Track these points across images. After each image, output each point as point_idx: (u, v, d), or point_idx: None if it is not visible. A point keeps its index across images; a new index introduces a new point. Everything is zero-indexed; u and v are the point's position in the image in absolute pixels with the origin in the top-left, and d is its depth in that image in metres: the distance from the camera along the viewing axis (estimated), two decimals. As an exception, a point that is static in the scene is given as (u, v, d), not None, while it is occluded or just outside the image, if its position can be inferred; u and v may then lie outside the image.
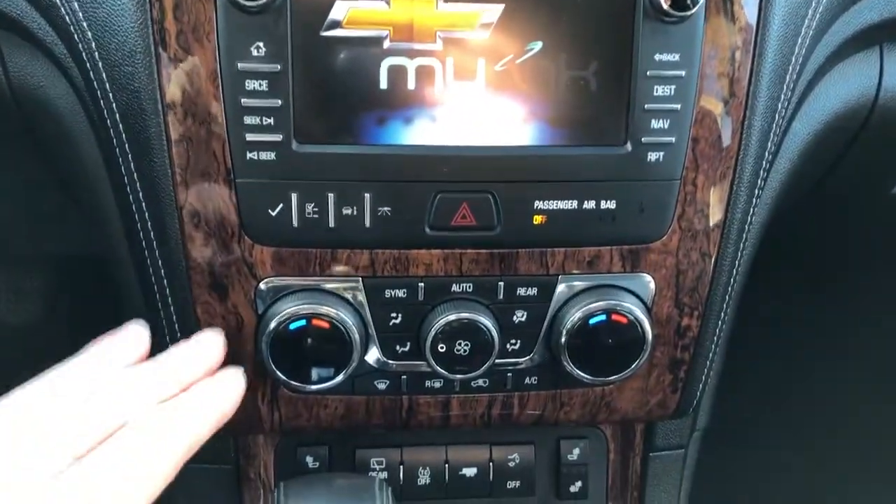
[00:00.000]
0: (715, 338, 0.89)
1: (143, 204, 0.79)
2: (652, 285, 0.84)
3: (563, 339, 0.82)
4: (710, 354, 0.89)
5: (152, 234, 0.79)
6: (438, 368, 0.82)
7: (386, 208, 0.77)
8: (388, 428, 0.89)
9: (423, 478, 0.96)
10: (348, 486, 0.72)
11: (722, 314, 0.88)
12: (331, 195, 0.76)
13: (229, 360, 0.82)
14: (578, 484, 0.99)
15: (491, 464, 0.97)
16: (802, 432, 1.42)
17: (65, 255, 1.74)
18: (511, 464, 0.97)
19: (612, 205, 0.80)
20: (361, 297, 0.81)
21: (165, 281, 0.80)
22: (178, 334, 0.82)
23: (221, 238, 0.78)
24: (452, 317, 0.80)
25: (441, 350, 0.81)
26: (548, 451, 0.99)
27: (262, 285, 0.80)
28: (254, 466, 0.95)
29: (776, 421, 1.42)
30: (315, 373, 0.81)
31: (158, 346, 0.86)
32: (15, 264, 1.78)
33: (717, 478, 1.10)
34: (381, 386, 0.85)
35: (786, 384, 1.42)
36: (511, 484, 0.97)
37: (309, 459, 0.95)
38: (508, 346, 0.84)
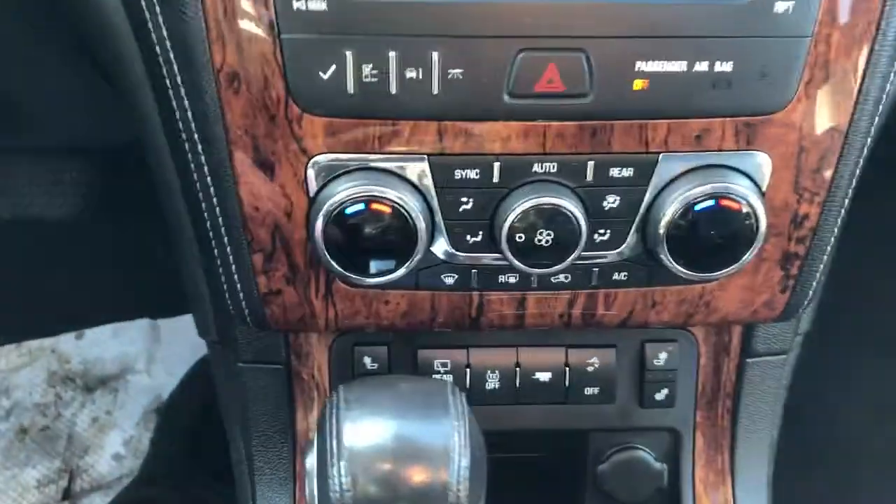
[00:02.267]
0: (836, 229, 0.76)
1: (175, 66, 0.68)
2: (768, 165, 0.71)
3: (661, 229, 0.70)
4: (829, 248, 0.77)
5: (187, 102, 0.69)
6: (515, 261, 0.71)
7: (457, 70, 0.65)
8: (455, 328, 0.79)
9: (492, 382, 0.87)
10: (416, 390, 0.63)
11: (846, 201, 0.75)
12: (392, 54, 0.64)
13: (279, 248, 0.73)
14: (665, 391, 0.89)
15: (567, 368, 0.87)
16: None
17: (102, 147, 1.66)
18: (590, 368, 0.87)
19: (728, 66, 0.66)
20: (427, 178, 0.70)
21: (203, 158, 0.70)
22: (220, 219, 0.73)
23: (265, 106, 0.67)
24: (533, 202, 0.69)
25: (519, 240, 0.70)
26: (631, 355, 0.89)
27: (313, 163, 0.69)
28: (307, 366, 0.87)
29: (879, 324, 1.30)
30: (374, 265, 0.71)
31: (200, 238, 0.78)
32: (54, 155, 1.71)
33: (814, 387, 0.99)
34: (449, 280, 0.75)
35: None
36: (589, 390, 0.87)
37: (367, 360, 0.86)
38: (596, 236, 0.73)
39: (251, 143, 0.68)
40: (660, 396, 0.89)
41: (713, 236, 0.71)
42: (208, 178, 0.71)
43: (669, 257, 0.71)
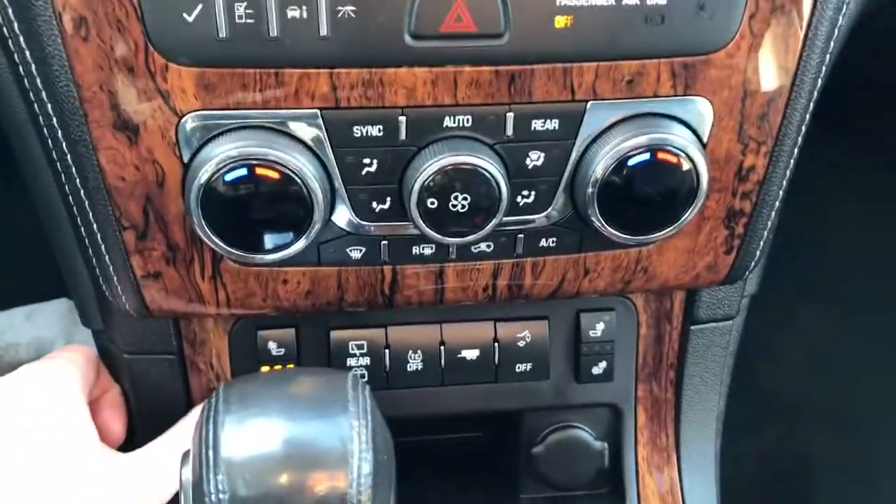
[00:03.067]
0: (784, 181, 0.69)
1: (10, 11, 0.56)
2: (709, 113, 0.63)
3: (591, 187, 0.62)
4: (777, 203, 0.70)
5: (28, 55, 0.57)
6: (428, 230, 0.62)
7: (349, 7, 0.55)
8: (367, 307, 0.70)
9: (415, 363, 0.78)
10: (311, 385, 0.54)
11: (794, 150, 0.68)
12: None
13: (153, 223, 0.63)
14: (603, 364, 0.81)
15: (496, 344, 0.79)
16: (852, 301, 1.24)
17: None
18: (521, 343, 0.79)
19: None
20: (322, 137, 0.60)
21: (55, 121, 0.59)
22: (82, 192, 0.62)
23: (121, 56, 0.56)
24: (446, 161, 0.59)
25: (431, 206, 0.61)
26: (564, 326, 0.81)
27: (185, 122, 0.58)
28: (203, 355, 0.77)
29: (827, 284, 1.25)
30: (266, 239, 0.61)
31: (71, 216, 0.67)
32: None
33: (762, 352, 0.93)
34: (355, 254, 0.66)
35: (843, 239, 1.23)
36: (521, 367, 0.79)
37: (272, 346, 0.76)
38: (520, 198, 0.64)
39: (108, 100, 0.57)
40: (597, 370, 0.81)
41: (649, 194, 0.63)
42: (64, 145, 0.60)
43: (601, 219, 0.63)
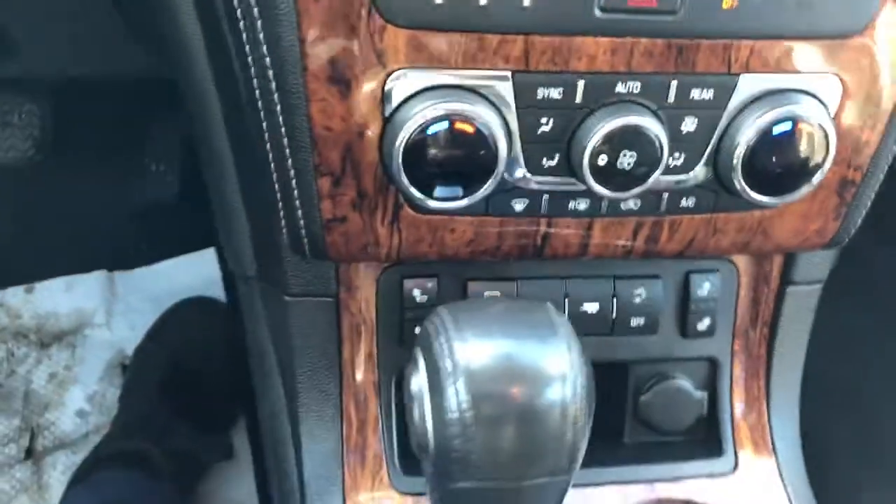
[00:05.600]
0: (890, 156, 0.77)
1: None
2: (840, 90, 0.72)
3: (737, 153, 0.70)
4: (881, 175, 0.78)
5: (256, 10, 0.64)
6: (595, 185, 0.69)
7: None
8: (518, 257, 0.77)
9: None
10: (520, 310, 0.61)
11: None
12: None
13: (348, 171, 0.69)
14: (707, 321, 0.89)
15: (615, 299, 0.87)
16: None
17: (56, 78, 1.54)
18: (637, 299, 0.87)
19: None
20: (510, 97, 0.67)
21: (272, 73, 0.65)
22: (286, 140, 0.68)
23: (345, 15, 0.63)
24: (620, 122, 0.67)
25: (601, 163, 0.68)
26: (674, 285, 0.89)
27: (392, 79, 0.65)
28: (355, 300, 0.83)
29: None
30: (451, 188, 0.68)
31: (249, 167, 0.73)
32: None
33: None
34: (519, 207, 0.73)
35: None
36: (635, 321, 0.87)
37: (416, 293, 0.83)
38: (671, 160, 0.72)
39: (327, 56, 0.64)
40: (702, 326, 0.89)
41: (786, 161, 0.71)
42: (275, 96, 0.66)
43: (742, 182, 0.71)
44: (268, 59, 0.65)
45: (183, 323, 1.83)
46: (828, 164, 0.72)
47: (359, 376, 0.85)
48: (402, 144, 0.65)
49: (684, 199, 0.75)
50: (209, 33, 0.73)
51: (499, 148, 0.67)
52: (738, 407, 0.92)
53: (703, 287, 0.89)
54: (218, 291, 1.92)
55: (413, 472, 0.85)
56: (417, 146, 0.66)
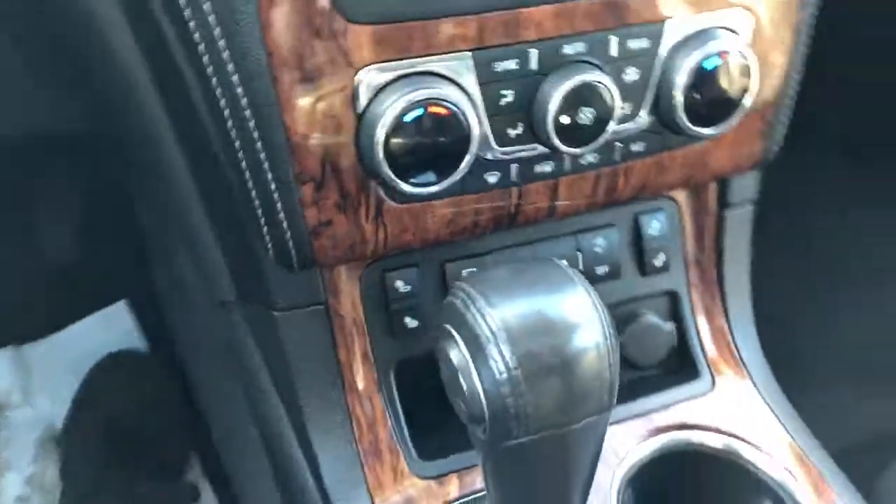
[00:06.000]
0: (797, 73, 0.86)
1: None
2: (751, 20, 0.79)
3: (677, 92, 0.76)
4: (794, 93, 0.87)
5: (218, 30, 0.64)
6: (561, 145, 0.73)
7: None
8: (495, 229, 0.81)
9: None
10: (534, 270, 0.64)
11: (804, 48, 0.85)
12: None
13: (329, 174, 0.70)
14: (662, 257, 0.96)
15: (579, 253, 0.91)
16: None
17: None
18: (598, 249, 0.92)
19: None
20: (471, 75, 0.70)
21: (240, 89, 0.66)
22: (262, 154, 0.68)
23: (308, 20, 0.64)
24: (575, 81, 0.71)
25: (564, 122, 0.73)
26: (628, 230, 0.95)
27: (361, 75, 0.67)
28: (341, 303, 0.84)
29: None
30: (431, 172, 0.71)
31: (220, 191, 0.73)
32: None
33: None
34: (492, 180, 0.76)
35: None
36: (600, 270, 0.92)
37: (399, 284, 0.85)
38: (619, 110, 0.77)
39: (296, 63, 0.65)
40: (658, 263, 0.96)
41: (719, 91, 0.78)
42: (247, 112, 0.67)
43: (685, 119, 0.78)
44: (235, 77, 0.65)
45: (110, 381, 1.76)
46: (754, 88, 0.79)
47: (359, 377, 0.86)
48: (383, 137, 0.67)
49: (634, 144, 0.81)
50: (157, 64, 0.72)
51: (471, 125, 0.70)
52: (703, 330, 0.99)
53: (653, 226, 0.95)
54: (135, 342, 1.86)
55: (430, 456, 0.87)
56: (397, 137, 0.68)
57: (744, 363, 0.99)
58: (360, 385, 0.86)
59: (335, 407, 0.85)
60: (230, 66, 0.65)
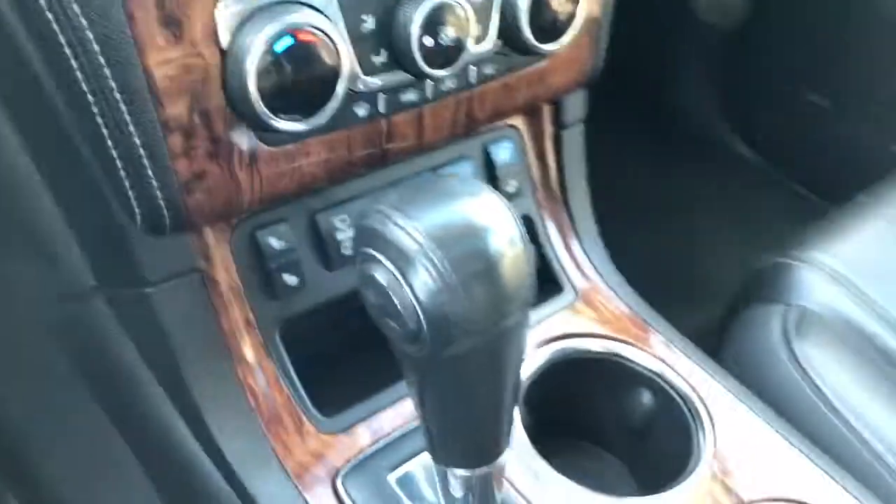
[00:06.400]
0: None
1: None
2: None
3: (521, 9, 0.79)
4: (611, 11, 0.93)
5: None
6: (425, 66, 0.73)
7: None
8: (367, 164, 0.79)
9: None
10: (444, 183, 0.63)
11: None
12: None
13: (197, 121, 0.65)
14: (513, 183, 0.99)
15: None
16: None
17: None
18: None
19: None
20: (332, 1, 0.68)
21: (90, 33, 0.58)
22: (124, 106, 0.62)
23: None
24: (435, 1, 0.72)
25: (427, 44, 0.73)
26: (480, 161, 0.97)
27: (220, 10, 0.62)
28: (215, 268, 0.78)
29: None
30: (305, 107, 0.68)
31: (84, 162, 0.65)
32: None
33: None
34: (361, 112, 0.75)
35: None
36: None
37: (272, 241, 0.81)
38: (474, 30, 0.78)
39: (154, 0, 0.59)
40: (511, 189, 0.99)
41: (560, 5, 0.82)
42: (102, 59, 0.60)
43: (530, 35, 0.81)
44: (83, 20, 0.58)
45: None
46: (583, 2, 0.84)
47: (245, 345, 0.81)
48: (254, 71, 0.63)
49: (486, 67, 0.83)
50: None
51: (340, 52, 0.68)
52: (559, 247, 1.04)
53: (501, 154, 0.98)
54: None
55: (333, 411, 0.84)
56: (268, 69, 0.64)
57: (599, 272, 1.05)
58: (248, 353, 0.81)
59: (226, 381, 0.79)
60: (75, 7, 0.58)
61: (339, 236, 0.86)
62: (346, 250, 0.86)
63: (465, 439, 0.66)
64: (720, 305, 1.23)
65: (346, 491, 0.77)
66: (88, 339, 0.80)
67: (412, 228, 0.57)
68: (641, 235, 1.10)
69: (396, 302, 0.58)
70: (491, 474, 0.68)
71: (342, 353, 0.86)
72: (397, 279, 0.58)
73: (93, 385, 0.87)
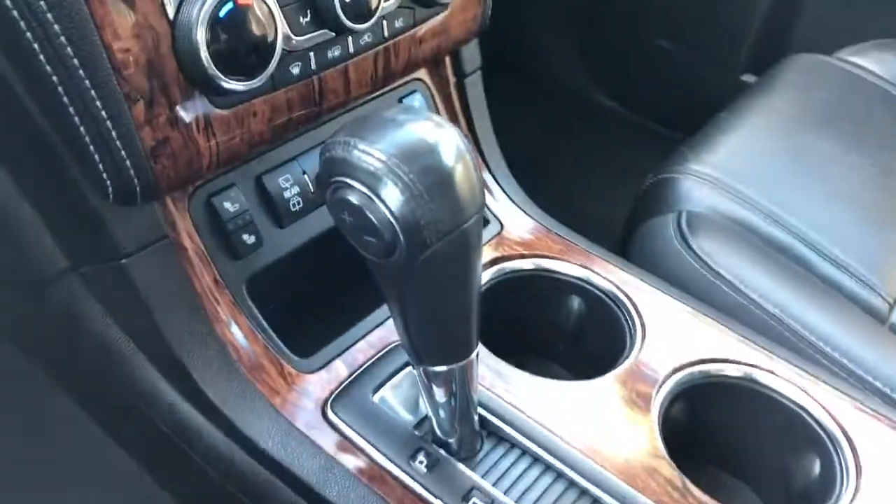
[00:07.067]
0: None
1: None
2: None
3: None
4: None
5: None
6: (347, 21, 0.81)
7: None
8: (306, 121, 0.86)
9: None
10: (380, 113, 0.71)
11: None
12: None
13: (157, 89, 0.70)
14: None
15: None
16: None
17: None
18: None
19: None
20: None
21: (50, 15, 0.63)
22: (87, 82, 0.66)
23: None
24: None
25: (347, 1, 0.81)
26: None
27: None
28: (179, 234, 0.83)
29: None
30: (251, 67, 0.75)
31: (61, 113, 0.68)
32: None
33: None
34: (296, 70, 0.82)
35: None
36: None
37: (227, 205, 0.87)
38: None
39: None
40: None
41: None
42: (62, 37, 0.64)
43: None
44: (42, 2, 0.63)
45: None
46: None
47: (218, 305, 0.86)
48: (203, 35, 0.70)
49: (397, 20, 0.91)
50: None
51: (275, 14, 0.75)
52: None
53: (413, 104, 1.07)
54: None
55: (309, 352, 0.90)
56: (216, 34, 0.70)
57: (515, 203, 1.16)
58: (222, 311, 0.87)
59: (208, 339, 0.85)
60: None
61: (286, 195, 0.92)
62: (295, 207, 0.93)
63: (442, 336, 0.75)
64: (609, 230, 1.37)
65: (335, 415, 0.85)
66: (64, 321, 0.83)
67: (375, 150, 0.65)
68: (529, 182, 1.22)
69: (372, 218, 0.66)
70: (465, 368, 0.78)
71: (310, 299, 0.94)
72: (370, 197, 0.66)
73: (70, 370, 0.90)
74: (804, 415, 0.91)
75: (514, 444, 0.84)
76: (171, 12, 0.70)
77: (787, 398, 0.92)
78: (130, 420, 0.90)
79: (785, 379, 0.93)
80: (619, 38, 2.39)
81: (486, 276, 1.04)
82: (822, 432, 0.90)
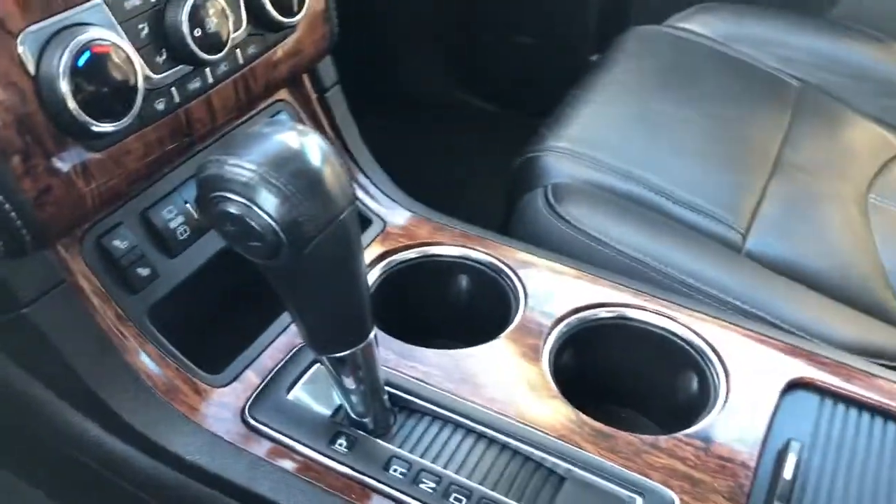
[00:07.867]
0: None
1: None
2: None
3: None
4: None
5: None
6: (201, 53, 0.87)
7: None
8: (181, 151, 0.92)
9: None
10: (247, 132, 0.77)
11: None
12: None
13: (30, 141, 0.75)
14: None
15: None
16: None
17: None
18: None
19: None
20: (110, 16, 0.80)
21: None
22: None
23: None
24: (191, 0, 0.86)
25: (198, 35, 0.87)
26: None
27: (20, 40, 0.73)
28: (76, 277, 0.87)
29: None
30: (115, 109, 0.80)
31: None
32: None
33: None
34: (160, 106, 0.87)
35: None
36: None
37: (117, 244, 0.91)
38: (232, 18, 0.93)
39: None
40: None
41: None
42: None
43: (272, 9, 0.97)
44: None
45: None
46: None
47: (124, 336, 0.90)
48: (67, 85, 0.75)
49: (250, 48, 0.98)
50: None
51: (131, 57, 0.80)
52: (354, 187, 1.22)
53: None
54: None
55: (219, 368, 0.96)
56: (79, 83, 0.75)
57: (392, 199, 1.23)
58: (129, 343, 0.91)
59: (120, 371, 0.89)
60: None
61: (172, 225, 0.97)
62: (182, 235, 0.98)
63: (338, 322, 0.82)
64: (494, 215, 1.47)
65: (254, 418, 0.90)
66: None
67: (246, 163, 0.72)
68: (413, 184, 1.31)
69: (253, 224, 0.72)
70: (366, 350, 0.84)
71: (214, 318, 0.99)
72: (248, 206, 0.72)
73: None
74: (675, 339, 1.03)
75: (424, 413, 0.92)
76: (31, 68, 0.74)
77: (657, 327, 1.04)
78: (59, 465, 0.93)
79: (653, 311, 1.04)
80: (479, 40, 2.53)
81: (377, 271, 1.11)
82: (693, 351, 1.02)
